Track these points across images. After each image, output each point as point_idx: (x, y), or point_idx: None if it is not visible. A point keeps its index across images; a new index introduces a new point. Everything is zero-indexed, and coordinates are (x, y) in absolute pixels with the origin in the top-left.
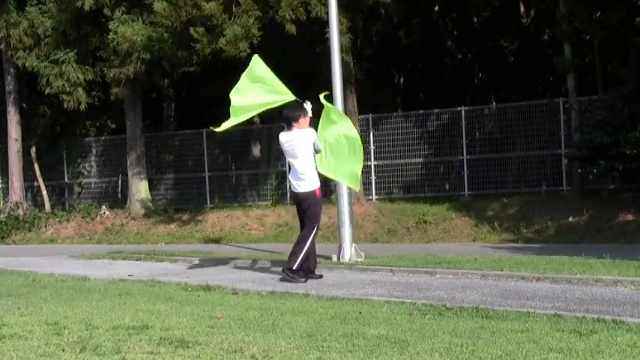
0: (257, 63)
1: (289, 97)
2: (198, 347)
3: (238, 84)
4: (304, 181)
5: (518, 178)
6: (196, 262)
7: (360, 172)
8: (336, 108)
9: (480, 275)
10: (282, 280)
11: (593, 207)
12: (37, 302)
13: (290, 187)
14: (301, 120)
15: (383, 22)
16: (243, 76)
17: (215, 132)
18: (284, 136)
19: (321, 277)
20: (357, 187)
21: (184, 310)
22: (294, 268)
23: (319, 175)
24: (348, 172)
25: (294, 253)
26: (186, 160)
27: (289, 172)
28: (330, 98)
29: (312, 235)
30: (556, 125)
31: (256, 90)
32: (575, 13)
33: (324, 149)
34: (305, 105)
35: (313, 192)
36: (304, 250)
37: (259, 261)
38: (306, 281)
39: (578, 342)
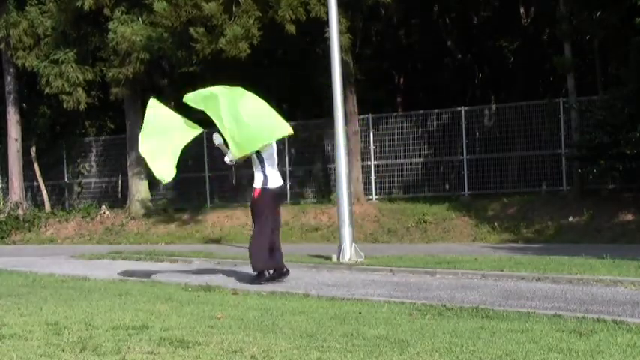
0: (155, 105)
1: (198, 131)
2: (198, 347)
3: (144, 129)
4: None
5: (518, 178)
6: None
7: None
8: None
9: (480, 275)
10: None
11: (593, 207)
12: (37, 302)
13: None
14: None
15: (383, 22)
16: (145, 120)
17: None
18: None
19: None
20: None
21: (184, 310)
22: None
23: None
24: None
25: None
26: (186, 160)
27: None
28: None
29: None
30: (556, 125)
31: (165, 131)
32: (575, 13)
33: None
34: (214, 137)
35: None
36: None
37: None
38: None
39: (578, 342)
